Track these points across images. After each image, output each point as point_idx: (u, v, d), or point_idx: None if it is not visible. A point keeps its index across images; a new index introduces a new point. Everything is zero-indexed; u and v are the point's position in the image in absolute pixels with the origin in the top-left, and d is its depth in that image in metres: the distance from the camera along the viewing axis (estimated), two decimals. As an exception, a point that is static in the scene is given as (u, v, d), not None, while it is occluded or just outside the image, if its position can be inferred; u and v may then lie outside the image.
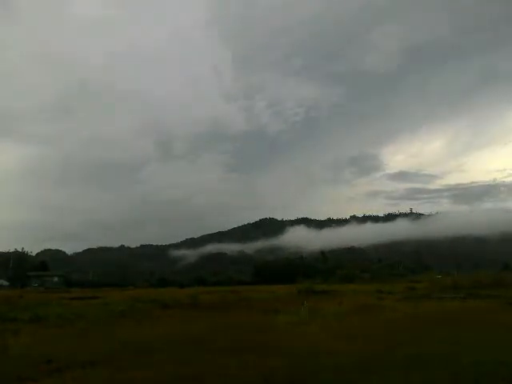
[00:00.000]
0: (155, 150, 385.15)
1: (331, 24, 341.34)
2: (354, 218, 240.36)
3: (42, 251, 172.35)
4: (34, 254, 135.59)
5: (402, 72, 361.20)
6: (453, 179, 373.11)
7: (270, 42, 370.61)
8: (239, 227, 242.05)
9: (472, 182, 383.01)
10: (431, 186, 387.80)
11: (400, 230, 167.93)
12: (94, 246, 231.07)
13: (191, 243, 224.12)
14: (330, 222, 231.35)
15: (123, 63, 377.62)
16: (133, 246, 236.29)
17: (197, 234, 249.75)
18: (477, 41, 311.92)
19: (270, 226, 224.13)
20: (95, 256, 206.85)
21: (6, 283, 78.85)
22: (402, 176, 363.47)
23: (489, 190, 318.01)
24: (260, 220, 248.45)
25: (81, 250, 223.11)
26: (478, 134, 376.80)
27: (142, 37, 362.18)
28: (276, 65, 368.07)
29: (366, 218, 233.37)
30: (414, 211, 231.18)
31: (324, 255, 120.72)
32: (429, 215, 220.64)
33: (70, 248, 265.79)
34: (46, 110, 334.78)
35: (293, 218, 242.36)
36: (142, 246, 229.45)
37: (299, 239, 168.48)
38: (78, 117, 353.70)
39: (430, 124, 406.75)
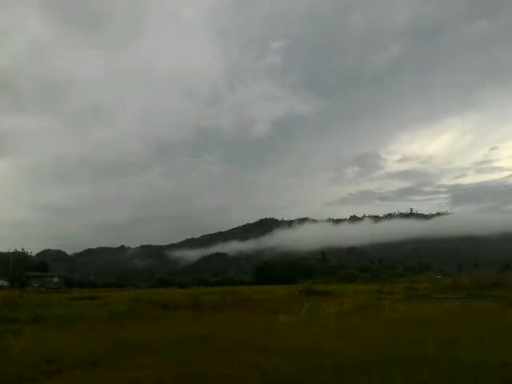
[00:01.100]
0: (156, 152, 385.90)
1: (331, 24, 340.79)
2: (353, 217, 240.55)
3: (42, 251, 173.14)
4: (34, 254, 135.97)
5: (401, 70, 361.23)
6: (453, 179, 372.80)
7: (268, 46, 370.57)
8: (239, 227, 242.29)
9: (472, 182, 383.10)
10: (431, 186, 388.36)
11: (400, 230, 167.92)
12: (94, 247, 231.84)
13: (191, 243, 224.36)
14: (330, 222, 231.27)
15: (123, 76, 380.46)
16: (133, 246, 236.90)
17: (197, 235, 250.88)
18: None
19: (270, 226, 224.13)
20: (95, 256, 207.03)
21: (6, 283, 78.88)
22: (402, 176, 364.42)
23: (489, 190, 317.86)
24: (260, 220, 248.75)
25: (81, 251, 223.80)
26: (479, 133, 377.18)
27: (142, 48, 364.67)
28: (274, 69, 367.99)
29: (366, 218, 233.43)
30: (414, 211, 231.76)
31: (324, 255, 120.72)
32: (429, 215, 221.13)
33: (70, 248, 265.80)
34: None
35: (293, 218, 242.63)
36: (142, 246, 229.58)
37: (299, 239, 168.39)
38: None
39: (430, 124, 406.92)
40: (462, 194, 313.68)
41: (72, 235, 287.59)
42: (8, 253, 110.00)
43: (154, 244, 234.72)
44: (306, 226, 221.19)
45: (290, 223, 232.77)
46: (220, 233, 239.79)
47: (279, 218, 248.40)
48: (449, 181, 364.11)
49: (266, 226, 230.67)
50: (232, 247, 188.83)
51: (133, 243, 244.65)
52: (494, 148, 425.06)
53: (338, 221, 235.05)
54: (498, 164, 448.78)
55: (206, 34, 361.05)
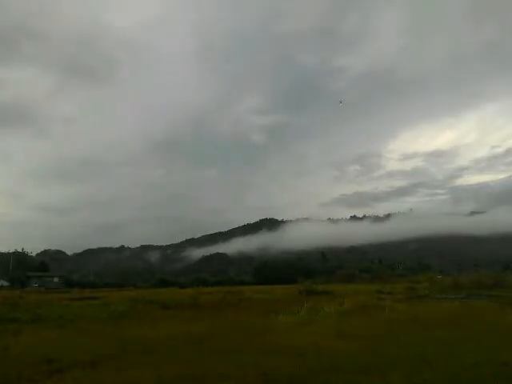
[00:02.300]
0: (156, 152, 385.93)
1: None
2: (354, 217, 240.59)
3: (42, 251, 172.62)
4: (34, 254, 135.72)
5: (401, 69, 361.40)
6: (453, 179, 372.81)
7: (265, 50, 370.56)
8: (239, 227, 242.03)
9: (473, 182, 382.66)
10: (432, 186, 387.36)
11: (400, 230, 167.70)
12: (94, 247, 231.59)
13: (191, 243, 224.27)
14: (330, 222, 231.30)
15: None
16: (133, 246, 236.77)
17: (197, 235, 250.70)
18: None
19: (270, 227, 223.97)
20: (95, 256, 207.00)
21: (6, 283, 78.85)
22: (402, 175, 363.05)
23: (489, 190, 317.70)
24: (260, 220, 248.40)
25: (81, 251, 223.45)
26: (480, 133, 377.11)
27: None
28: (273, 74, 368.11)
29: (365, 218, 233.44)
30: (414, 211, 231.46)
31: (324, 255, 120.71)
32: (429, 215, 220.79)
33: (70, 248, 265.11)
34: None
35: (293, 218, 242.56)
36: (142, 246, 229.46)
37: (299, 239, 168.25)
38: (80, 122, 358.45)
39: (431, 123, 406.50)
40: (462, 194, 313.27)
41: (72, 235, 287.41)
42: (8, 253, 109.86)
43: (154, 244, 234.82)
44: (306, 225, 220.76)
45: (289, 223, 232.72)
46: (220, 233, 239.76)
47: (279, 218, 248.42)
48: (449, 180, 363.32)
49: (266, 226, 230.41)
50: (232, 247, 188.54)
51: (133, 243, 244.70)
52: (495, 147, 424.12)
53: (337, 221, 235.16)
54: (498, 163, 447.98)
55: (202, 46, 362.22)
